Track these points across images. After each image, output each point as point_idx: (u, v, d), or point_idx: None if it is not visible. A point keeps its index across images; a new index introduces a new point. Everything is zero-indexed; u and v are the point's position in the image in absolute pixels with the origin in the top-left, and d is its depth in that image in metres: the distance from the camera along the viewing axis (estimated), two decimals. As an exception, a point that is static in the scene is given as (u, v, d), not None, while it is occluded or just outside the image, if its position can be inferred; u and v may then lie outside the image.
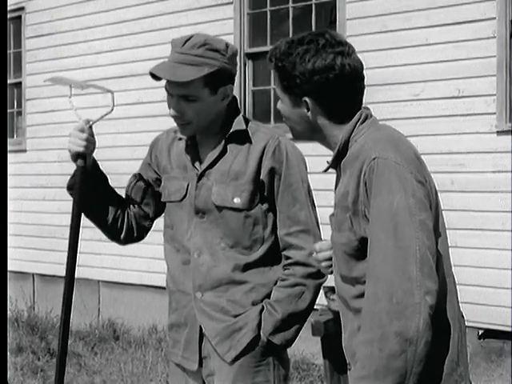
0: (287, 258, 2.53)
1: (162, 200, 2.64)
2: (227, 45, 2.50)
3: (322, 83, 1.96)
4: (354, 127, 2.00)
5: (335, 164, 2.05)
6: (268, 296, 2.52)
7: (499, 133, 5.48)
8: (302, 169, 2.55)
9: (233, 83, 2.53)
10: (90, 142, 2.55)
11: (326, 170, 2.10)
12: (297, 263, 2.51)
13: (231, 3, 6.91)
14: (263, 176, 2.49)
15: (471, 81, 5.60)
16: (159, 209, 2.71)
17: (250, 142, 2.52)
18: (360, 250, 1.92)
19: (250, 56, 6.82)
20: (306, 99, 1.99)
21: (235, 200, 2.48)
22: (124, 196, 2.72)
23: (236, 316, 2.51)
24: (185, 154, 2.58)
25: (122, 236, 2.71)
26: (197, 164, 2.55)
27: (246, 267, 2.51)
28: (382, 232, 1.83)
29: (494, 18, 5.48)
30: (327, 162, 2.08)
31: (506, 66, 5.44)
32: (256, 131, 2.54)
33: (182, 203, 2.56)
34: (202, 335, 2.55)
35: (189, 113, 2.46)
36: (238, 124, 2.52)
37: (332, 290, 3.20)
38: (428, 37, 5.78)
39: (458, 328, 1.95)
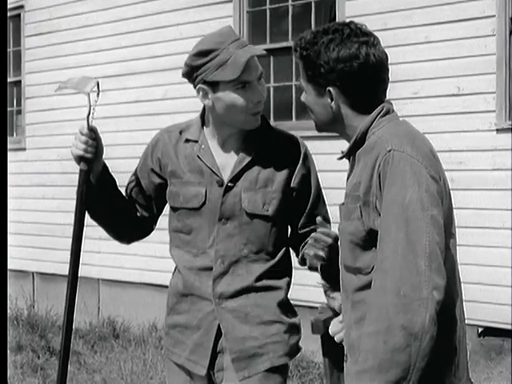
0: None
1: (173, 205, 2.58)
2: None
3: (345, 72, 1.97)
4: (374, 119, 2.01)
5: (349, 154, 2.06)
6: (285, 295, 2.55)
7: (499, 131, 5.48)
8: None
9: None
10: (89, 146, 2.46)
11: (340, 158, 2.11)
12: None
13: (231, 1, 6.90)
14: (295, 183, 2.52)
15: (471, 79, 5.60)
16: (160, 210, 2.68)
17: (277, 149, 2.52)
18: (367, 241, 1.94)
19: (249, 54, 6.82)
20: (330, 88, 2.00)
21: (265, 207, 2.48)
22: (126, 198, 2.67)
23: (261, 323, 2.49)
24: (198, 157, 2.53)
25: (127, 237, 2.71)
26: (215, 169, 2.50)
27: (269, 273, 2.52)
28: (394, 224, 1.84)
29: (494, 16, 5.48)
30: (341, 152, 2.09)
31: (505, 63, 5.43)
32: (280, 137, 2.55)
33: (202, 210, 2.51)
34: (216, 338, 2.51)
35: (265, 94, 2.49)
36: (269, 134, 2.53)
37: (332, 288, 3.20)
38: (428, 35, 5.78)
39: (460, 328, 1.96)
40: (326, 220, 2.61)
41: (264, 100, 2.46)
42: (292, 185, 2.51)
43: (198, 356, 2.53)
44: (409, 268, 1.79)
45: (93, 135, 2.48)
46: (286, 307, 2.56)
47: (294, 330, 2.57)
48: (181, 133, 2.58)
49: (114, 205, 2.59)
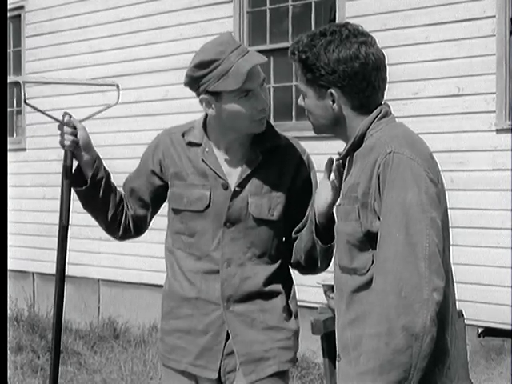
0: None
1: (177, 207, 2.55)
2: None
3: (347, 73, 1.97)
4: (372, 121, 2.01)
5: (347, 155, 2.06)
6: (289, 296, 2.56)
7: (499, 131, 5.48)
8: None
9: None
10: (66, 138, 2.53)
11: (338, 160, 2.12)
12: None
13: (231, 2, 6.90)
14: (297, 189, 2.52)
15: (471, 79, 5.60)
16: (154, 212, 2.68)
17: (282, 154, 2.52)
18: (363, 242, 1.95)
19: (249, 54, 6.82)
20: (331, 90, 2.00)
21: (271, 212, 2.49)
22: (121, 194, 2.66)
23: (266, 329, 2.51)
24: (202, 160, 2.52)
25: (120, 233, 2.66)
26: (220, 172, 2.49)
27: (273, 277, 2.52)
28: (394, 226, 1.85)
29: (494, 16, 5.48)
30: (338, 153, 2.09)
31: (505, 64, 5.44)
32: (286, 143, 2.55)
33: (206, 213, 2.51)
34: (225, 341, 2.51)
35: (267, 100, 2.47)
36: (274, 139, 2.53)
37: (331, 288, 3.22)
38: (428, 35, 5.79)
39: (452, 329, 1.96)
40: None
41: (267, 106, 2.45)
42: (294, 191, 2.52)
43: (206, 360, 2.52)
44: (409, 270, 1.80)
45: (70, 124, 2.52)
46: (289, 313, 2.57)
47: (296, 337, 2.58)
48: (183, 135, 2.56)
49: (105, 199, 2.57)
